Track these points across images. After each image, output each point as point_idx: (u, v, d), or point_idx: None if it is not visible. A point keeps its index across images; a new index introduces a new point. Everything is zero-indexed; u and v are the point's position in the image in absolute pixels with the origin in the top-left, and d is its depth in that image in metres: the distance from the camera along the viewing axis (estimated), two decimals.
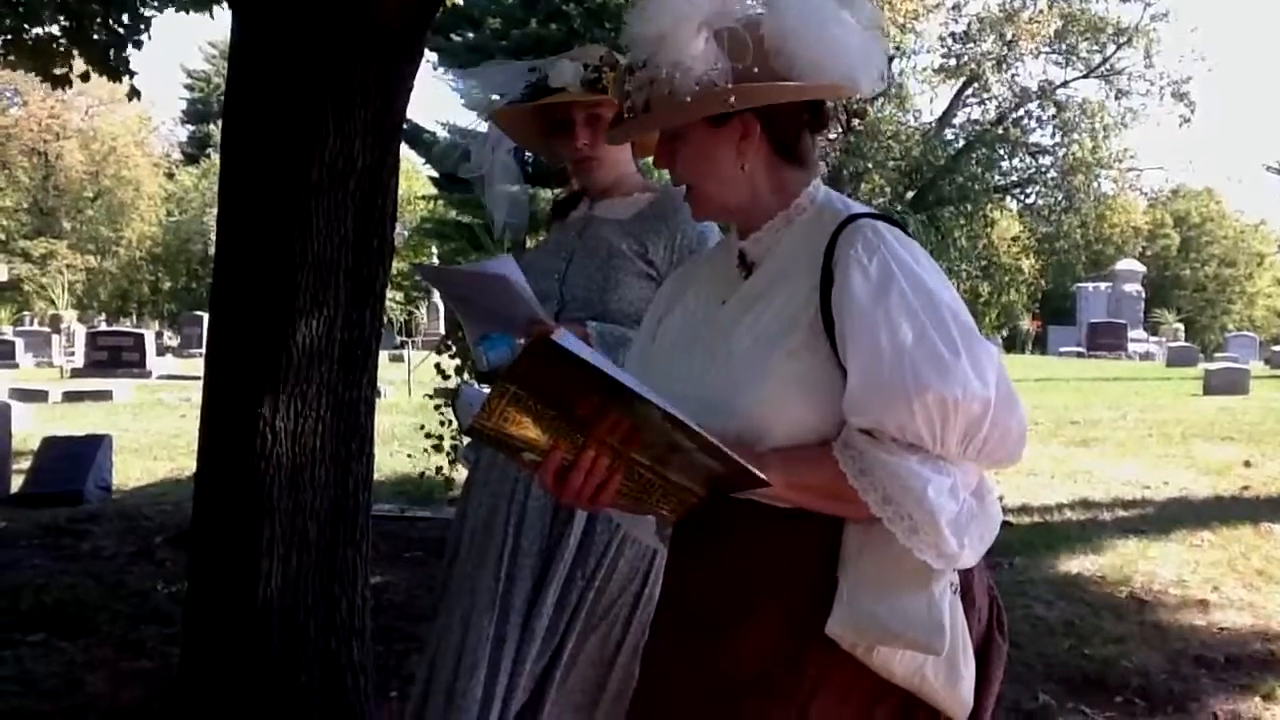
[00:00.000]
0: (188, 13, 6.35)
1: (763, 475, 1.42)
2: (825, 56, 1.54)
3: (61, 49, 6.25)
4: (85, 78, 6.43)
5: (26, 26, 6.16)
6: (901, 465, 1.43)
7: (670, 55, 1.51)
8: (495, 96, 2.79)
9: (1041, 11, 37.85)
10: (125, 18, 6.27)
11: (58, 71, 6.33)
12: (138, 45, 6.40)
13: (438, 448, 6.58)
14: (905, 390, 1.41)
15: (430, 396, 7.15)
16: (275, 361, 3.16)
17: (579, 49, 2.68)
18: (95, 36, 6.20)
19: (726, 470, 1.42)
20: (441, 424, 6.53)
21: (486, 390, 4.06)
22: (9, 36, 6.19)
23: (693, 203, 1.69)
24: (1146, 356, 29.15)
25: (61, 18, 6.06)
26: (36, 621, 4.52)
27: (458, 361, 6.22)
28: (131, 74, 6.48)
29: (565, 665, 2.50)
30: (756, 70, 1.52)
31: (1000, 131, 39.93)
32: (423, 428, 6.75)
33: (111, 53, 6.28)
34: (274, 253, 3.18)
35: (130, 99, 6.98)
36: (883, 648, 1.48)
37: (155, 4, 6.33)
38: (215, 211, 3.53)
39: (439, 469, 6.77)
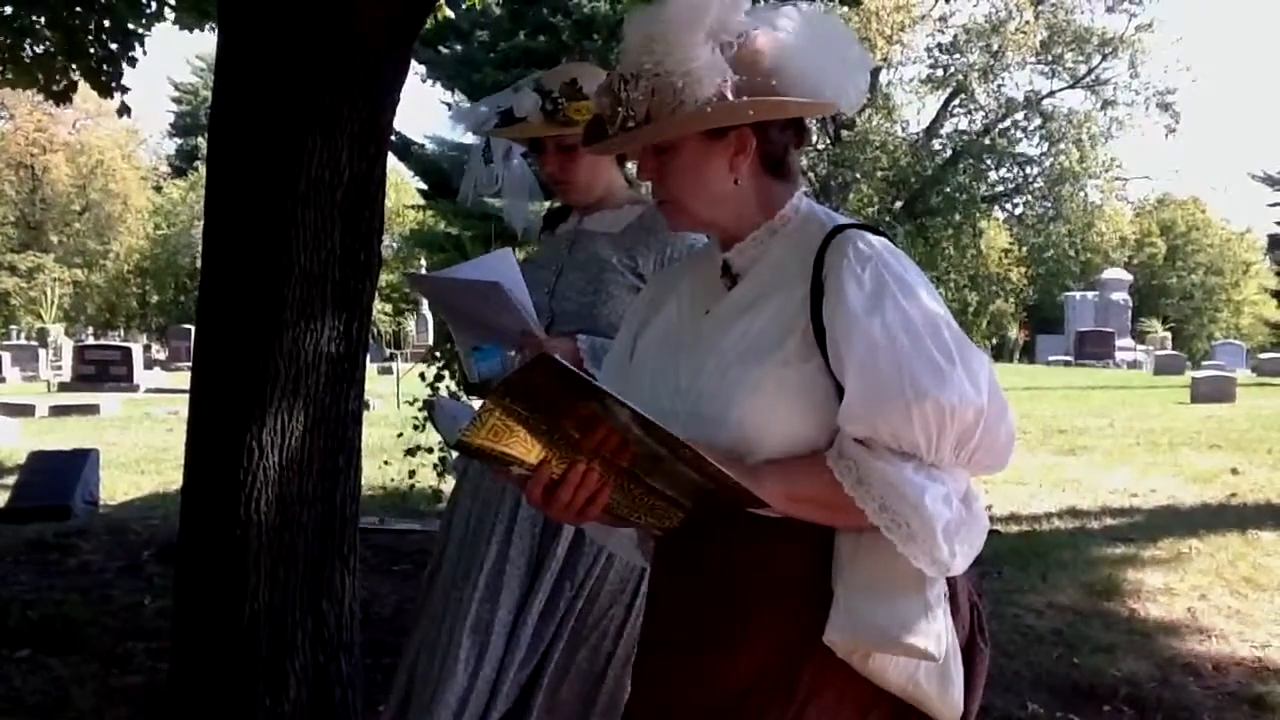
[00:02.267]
0: (183, 29, 6.35)
1: (759, 494, 1.42)
2: (819, 73, 1.55)
3: (60, 65, 6.27)
4: (74, 88, 6.45)
5: (26, 45, 6.17)
6: (898, 474, 1.44)
7: (679, 64, 1.49)
8: (484, 109, 2.80)
9: (1028, 22, 38.06)
10: (119, 34, 6.29)
11: (57, 88, 6.36)
12: (131, 62, 6.42)
13: (410, 452, 6.55)
14: (904, 398, 1.42)
15: (417, 407, 7.15)
16: (262, 375, 3.16)
17: (564, 65, 2.70)
18: (91, 50, 6.21)
19: (721, 488, 1.41)
20: (418, 429, 6.50)
21: (462, 402, 4.07)
22: (6, 55, 6.20)
23: (671, 214, 1.67)
24: (1134, 365, 29.24)
25: (57, 34, 6.06)
26: (23, 637, 4.49)
27: (445, 373, 6.22)
28: (124, 90, 6.51)
29: (553, 675, 2.49)
30: (761, 84, 1.53)
31: (987, 142, 40.14)
32: (400, 434, 6.73)
33: (105, 68, 6.30)
34: (260, 266, 3.18)
35: (120, 115, 7.01)
36: (877, 655, 1.49)
37: (149, 16, 6.33)
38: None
39: (412, 472, 6.76)
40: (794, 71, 1.54)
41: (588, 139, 1.66)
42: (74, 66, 6.30)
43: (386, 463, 7.83)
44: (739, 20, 1.54)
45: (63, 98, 6.50)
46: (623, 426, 1.38)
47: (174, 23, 6.30)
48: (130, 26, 6.28)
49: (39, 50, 6.23)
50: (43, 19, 5.94)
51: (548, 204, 3.05)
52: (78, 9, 6.01)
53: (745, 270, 1.65)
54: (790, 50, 1.54)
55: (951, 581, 1.55)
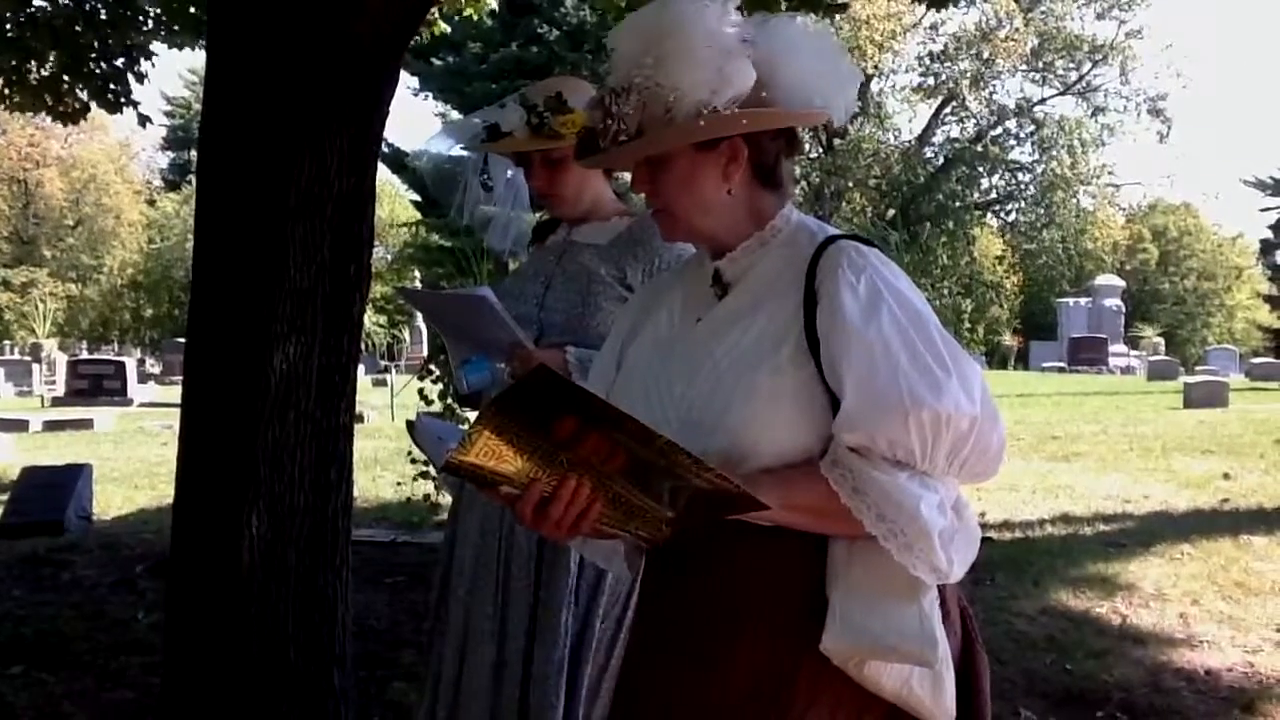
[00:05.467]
0: (180, 50, 6.38)
1: (760, 499, 1.41)
2: (810, 84, 1.56)
3: (65, 85, 6.29)
4: (86, 109, 6.49)
5: (30, 66, 6.18)
6: (893, 482, 1.44)
7: (669, 77, 1.49)
8: (477, 120, 2.82)
9: (1018, 30, 38.25)
10: (123, 52, 6.32)
11: (65, 109, 6.39)
12: (139, 78, 6.45)
13: (425, 474, 6.54)
14: (901, 407, 1.42)
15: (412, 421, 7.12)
16: (253, 389, 3.16)
17: (549, 79, 2.72)
18: (97, 70, 6.23)
19: (722, 495, 1.40)
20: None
21: (453, 419, 4.03)
22: (13, 78, 6.21)
23: (665, 224, 1.67)
24: (1127, 371, 29.32)
25: (61, 54, 6.08)
26: (16, 653, 4.48)
27: (440, 387, 6.19)
28: (134, 104, 6.53)
29: (585, 702, 2.48)
30: (752, 95, 1.53)
31: (979, 149, 40.33)
32: (409, 453, 6.70)
33: (112, 86, 6.33)
34: (251, 280, 3.19)
35: (142, 124, 7.10)
36: (873, 662, 1.49)
37: (145, 33, 6.35)
38: None
39: (427, 496, 6.75)
40: (785, 82, 1.55)
41: (580, 153, 1.65)
42: (81, 86, 6.32)
43: (399, 483, 7.73)
44: (730, 31, 1.54)
45: (72, 119, 6.54)
46: (614, 434, 1.37)
47: (166, 42, 6.31)
48: (132, 42, 6.29)
49: (44, 73, 6.24)
50: (46, 39, 5.94)
51: (537, 216, 3.06)
52: (78, 29, 6.02)
53: (736, 280, 1.65)
54: (781, 61, 1.55)
55: (941, 588, 1.56)
